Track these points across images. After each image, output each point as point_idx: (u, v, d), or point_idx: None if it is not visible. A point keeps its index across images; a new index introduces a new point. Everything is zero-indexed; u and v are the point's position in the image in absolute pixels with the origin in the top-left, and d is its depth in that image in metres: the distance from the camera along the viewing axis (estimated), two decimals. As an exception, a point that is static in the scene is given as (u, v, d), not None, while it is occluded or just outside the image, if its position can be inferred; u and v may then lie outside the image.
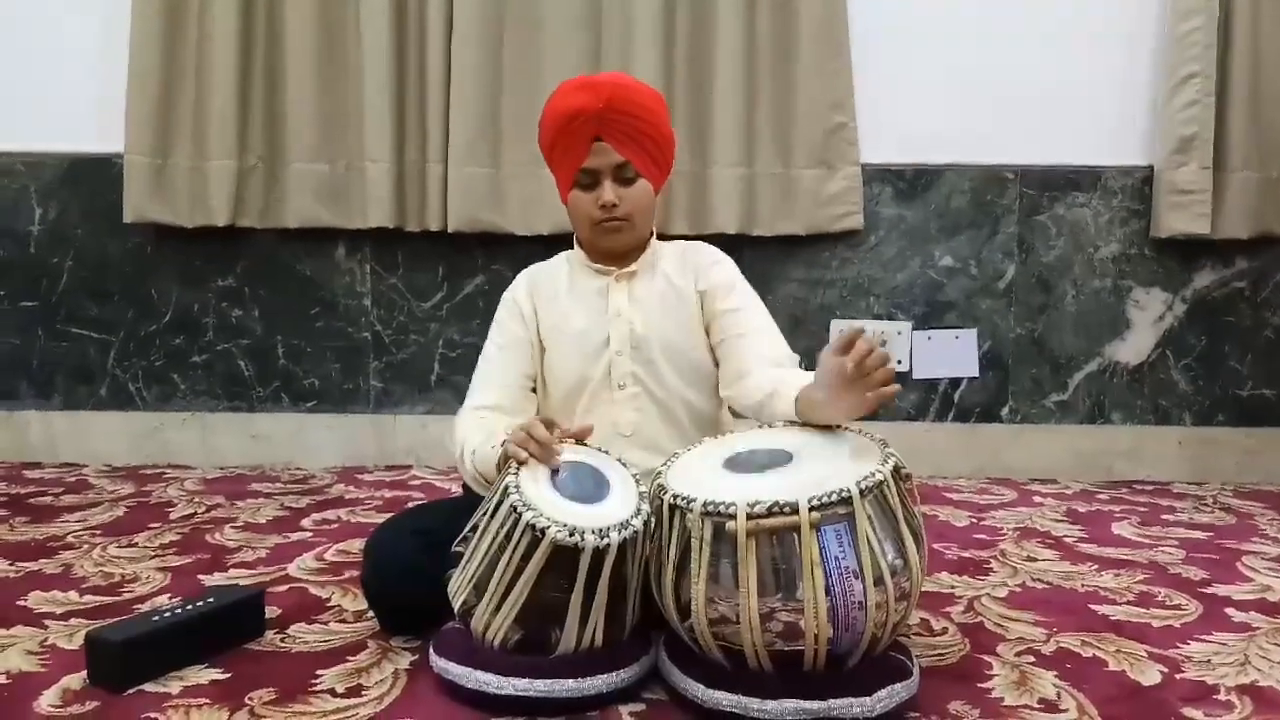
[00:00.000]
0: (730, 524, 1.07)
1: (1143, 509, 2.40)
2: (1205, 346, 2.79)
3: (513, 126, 2.69)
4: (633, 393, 1.47)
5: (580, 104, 1.41)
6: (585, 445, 1.33)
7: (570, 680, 1.13)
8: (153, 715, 1.12)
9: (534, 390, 1.53)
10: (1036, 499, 2.51)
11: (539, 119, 1.50)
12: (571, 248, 1.60)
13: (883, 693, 1.09)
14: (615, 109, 1.41)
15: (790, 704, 1.07)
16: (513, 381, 1.51)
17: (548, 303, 1.54)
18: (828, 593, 1.06)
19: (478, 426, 1.42)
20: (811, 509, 1.06)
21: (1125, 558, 1.91)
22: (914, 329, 2.80)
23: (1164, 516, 2.31)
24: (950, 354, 2.80)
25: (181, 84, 2.68)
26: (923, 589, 1.24)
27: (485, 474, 1.35)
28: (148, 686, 1.20)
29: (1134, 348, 2.80)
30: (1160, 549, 1.99)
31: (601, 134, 1.42)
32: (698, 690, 1.13)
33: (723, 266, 1.55)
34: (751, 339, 1.46)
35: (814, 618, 1.06)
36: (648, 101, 1.47)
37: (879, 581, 1.08)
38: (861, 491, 1.08)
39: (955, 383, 2.81)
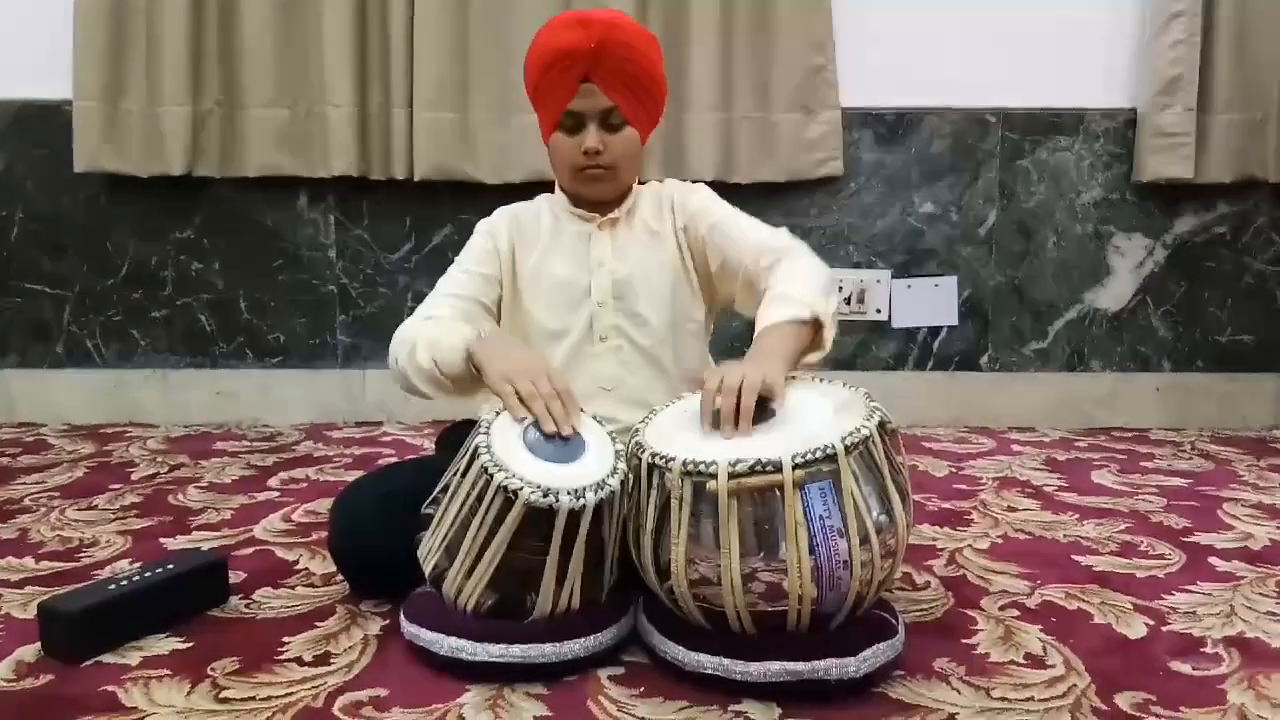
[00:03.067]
0: (711, 483, 1.03)
1: (1122, 456, 2.39)
2: (1185, 292, 2.77)
3: (481, 68, 2.60)
4: (614, 345, 1.42)
5: (570, 42, 1.33)
6: None
7: (546, 645, 1.10)
8: (111, 688, 1.08)
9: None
10: (1015, 447, 2.50)
11: (526, 54, 1.42)
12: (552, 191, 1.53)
13: (868, 652, 1.06)
14: (607, 50, 1.33)
15: (774, 665, 1.04)
16: (471, 308, 1.43)
17: (528, 248, 1.47)
18: (812, 552, 1.02)
19: (434, 326, 1.35)
20: (795, 467, 1.01)
21: (1106, 506, 1.90)
22: (893, 277, 2.76)
23: (1143, 464, 2.31)
24: (930, 302, 2.77)
25: (132, 24, 2.56)
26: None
27: (445, 364, 1.28)
28: (105, 658, 1.15)
29: (1114, 294, 2.77)
30: (1141, 497, 1.98)
31: (590, 75, 1.34)
32: (678, 653, 1.09)
33: (696, 194, 1.49)
34: (741, 245, 1.40)
35: (798, 578, 1.02)
36: (642, 44, 1.39)
37: (864, 540, 1.04)
38: (847, 448, 1.04)
39: (934, 331, 2.78)
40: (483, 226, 1.51)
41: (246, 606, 1.33)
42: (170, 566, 1.29)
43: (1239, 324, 2.79)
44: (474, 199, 2.65)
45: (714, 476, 1.03)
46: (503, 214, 1.52)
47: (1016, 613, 1.32)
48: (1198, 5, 2.56)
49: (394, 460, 2.28)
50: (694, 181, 1.56)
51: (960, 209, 2.74)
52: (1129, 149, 2.71)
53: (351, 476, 2.00)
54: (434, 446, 1.57)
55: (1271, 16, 2.61)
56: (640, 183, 1.52)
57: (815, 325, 1.28)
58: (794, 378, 1.26)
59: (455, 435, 1.35)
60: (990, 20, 2.67)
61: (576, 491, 1.07)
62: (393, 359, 1.37)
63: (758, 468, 1.02)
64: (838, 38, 2.64)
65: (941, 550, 1.61)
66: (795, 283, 1.31)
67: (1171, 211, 2.74)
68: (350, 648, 1.19)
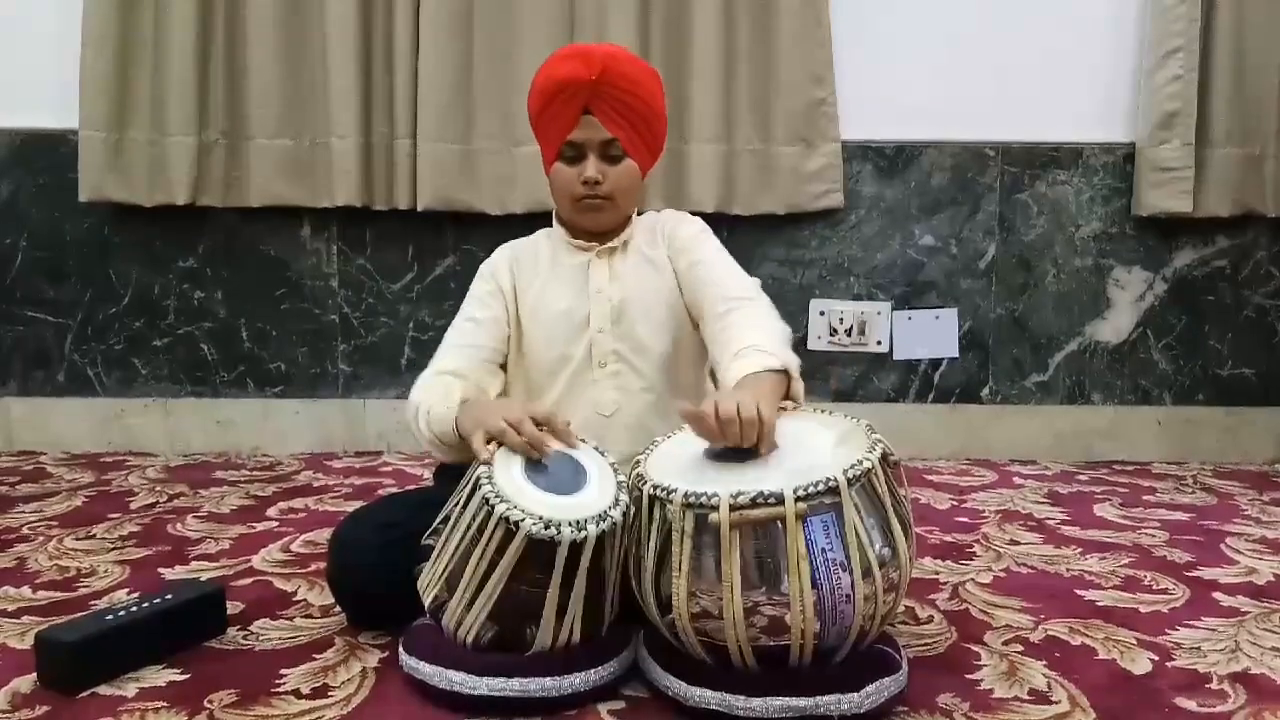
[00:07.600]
0: (713, 516, 1.02)
1: (1124, 490, 2.38)
2: (1185, 326, 2.77)
3: (484, 100, 2.62)
4: (614, 370, 1.42)
5: (571, 73, 1.35)
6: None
7: (547, 679, 1.09)
8: (107, 720, 1.07)
9: (501, 367, 1.48)
10: (1017, 480, 2.49)
11: (529, 86, 1.44)
12: (550, 225, 1.54)
13: (871, 688, 1.05)
14: (607, 81, 1.35)
15: (776, 701, 1.03)
16: (479, 355, 1.45)
17: (528, 281, 1.49)
18: (814, 586, 1.01)
19: (436, 389, 1.38)
20: (797, 499, 1.01)
21: (1109, 540, 1.89)
22: (894, 309, 2.76)
23: (1145, 497, 2.30)
24: (930, 334, 2.77)
25: (138, 55, 2.58)
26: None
27: (441, 435, 1.32)
28: (102, 689, 1.14)
29: (1114, 327, 2.78)
30: (1143, 531, 1.97)
31: (591, 107, 1.37)
32: (679, 688, 1.08)
33: (687, 224, 1.50)
34: (708, 288, 1.40)
35: (800, 612, 1.01)
36: (642, 77, 1.41)
37: (867, 573, 1.04)
38: (849, 480, 1.04)
39: (935, 363, 2.78)
40: (484, 269, 1.53)
41: (244, 638, 1.32)
42: (168, 597, 1.29)
43: (1240, 357, 2.79)
44: (476, 229, 2.66)
45: (716, 509, 1.02)
46: (502, 252, 1.54)
47: (1020, 648, 1.31)
48: (1195, 41, 2.59)
49: (394, 490, 2.27)
50: (694, 213, 1.57)
51: (960, 242, 2.75)
52: (1128, 183, 2.73)
53: (351, 506, 2.00)
54: (433, 477, 1.57)
55: (1268, 51, 2.63)
56: (639, 213, 1.53)
57: (785, 376, 1.27)
58: (796, 406, 1.26)
59: (455, 466, 1.35)
60: (989, 55, 2.70)
61: (578, 523, 1.07)
62: (410, 419, 1.40)
63: (759, 500, 1.02)
64: (838, 71, 2.67)
65: (944, 584, 1.60)
66: (756, 336, 1.30)
67: (1171, 245, 2.75)
68: (348, 680, 1.18)
